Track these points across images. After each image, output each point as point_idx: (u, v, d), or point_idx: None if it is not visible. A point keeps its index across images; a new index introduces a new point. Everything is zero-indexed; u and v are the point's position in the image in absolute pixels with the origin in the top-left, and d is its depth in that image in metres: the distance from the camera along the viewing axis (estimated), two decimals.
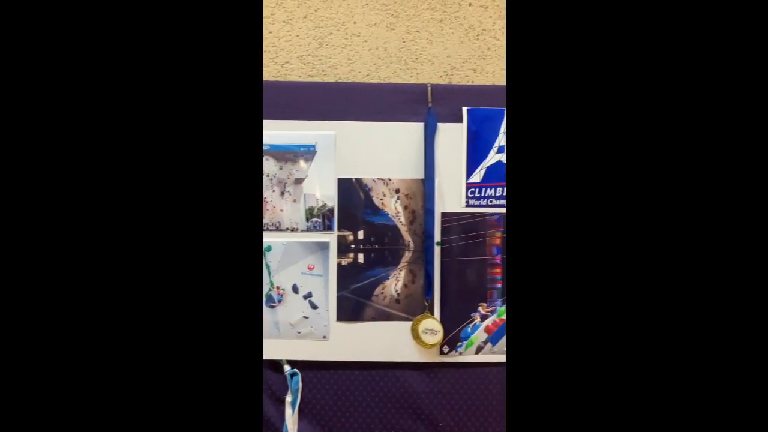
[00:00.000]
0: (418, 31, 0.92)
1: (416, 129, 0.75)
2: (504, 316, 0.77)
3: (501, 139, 0.76)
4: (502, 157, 0.76)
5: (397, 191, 0.75)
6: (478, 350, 0.76)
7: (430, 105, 0.75)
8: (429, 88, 0.76)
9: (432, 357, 0.76)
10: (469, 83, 0.93)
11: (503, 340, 0.77)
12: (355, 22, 0.91)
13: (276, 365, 0.76)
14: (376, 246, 0.75)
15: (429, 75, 0.94)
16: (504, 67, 0.94)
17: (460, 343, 0.76)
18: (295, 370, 0.76)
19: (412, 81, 0.88)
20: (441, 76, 0.95)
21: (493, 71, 0.96)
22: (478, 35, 0.94)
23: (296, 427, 0.76)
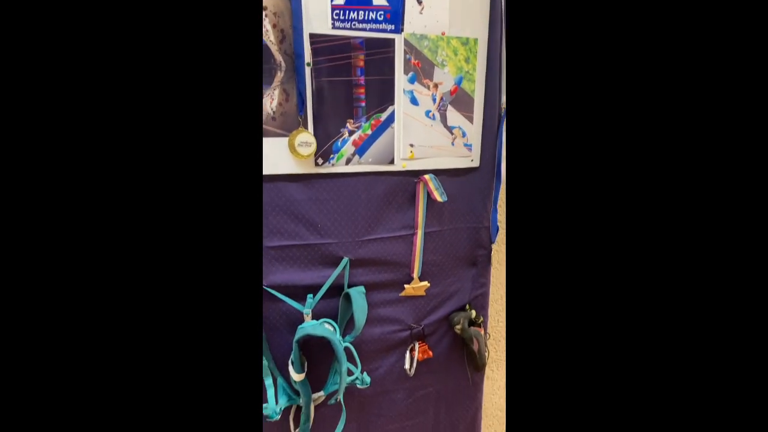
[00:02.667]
0: None
1: None
2: (368, 131, 0.90)
3: None
4: None
5: (264, 8, 0.78)
6: (348, 161, 0.90)
7: None
8: None
9: (308, 168, 0.88)
10: None
11: (368, 152, 0.91)
12: None
13: None
14: None
15: None
16: None
17: (332, 156, 0.89)
18: None
19: None
20: None
21: None
22: None
23: None
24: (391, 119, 0.91)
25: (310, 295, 0.93)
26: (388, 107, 0.90)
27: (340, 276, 0.96)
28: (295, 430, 1.00)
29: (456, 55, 0.92)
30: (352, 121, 0.88)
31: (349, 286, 0.97)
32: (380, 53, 0.86)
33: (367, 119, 0.89)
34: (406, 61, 0.89)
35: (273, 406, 0.90)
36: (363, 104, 0.88)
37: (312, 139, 0.85)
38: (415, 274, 1.03)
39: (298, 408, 1.00)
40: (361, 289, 0.98)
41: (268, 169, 0.85)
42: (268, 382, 0.91)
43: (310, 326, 0.90)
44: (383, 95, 0.89)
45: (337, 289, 0.97)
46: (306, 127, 0.85)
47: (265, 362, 0.89)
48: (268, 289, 0.91)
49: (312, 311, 0.93)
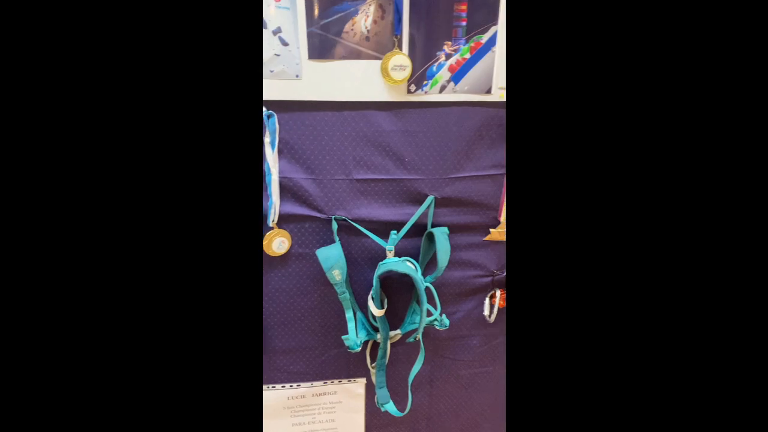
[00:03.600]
0: None
1: None
2: (466, 55, 0.82)
3: None
4: None
5: None
6: (442, 89, 0.83)
7: None
8: None
9: (400, 96, 0.82)
10: None
11: (464, 80, 0.83)
12: None
13: None
14: None
15: None
16: None
17: (425, 82, 0.82)
18: (271, 111, 0.81)
19: None
20: None
21: None
22: None
23: (277, 166, 0.84)
24: (492, 42, 0.81)
25: (393, 232, 0.91)
26: (490, 27, 0.80)
27: (424, 215, 0.92)
28: (371, 364, 1.01)
29: None
30: (450, 43, 0.80)
31: (433, 226, 0.93)
32: None
33: (467, 41, 0.80)
34: None
35: (354, 338, 0.91)
36: (464, 23, 0.79)
37: (408, 62, 0.78)
38: (503, 218, 0.96)
39: (375, 344, 1.01)
40: (445, 229, 0.93)
41: (357, 95, 0.80)
42: (348, 315, 0.91)
43: (393, 262, 0.88)
44: (487, 13, 0.79)
45: (419, 229, 0.93)
46: (401, 48, 0.78)
47: (347, 295, 0.89)
48: (352, 222, 0.89)
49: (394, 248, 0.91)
